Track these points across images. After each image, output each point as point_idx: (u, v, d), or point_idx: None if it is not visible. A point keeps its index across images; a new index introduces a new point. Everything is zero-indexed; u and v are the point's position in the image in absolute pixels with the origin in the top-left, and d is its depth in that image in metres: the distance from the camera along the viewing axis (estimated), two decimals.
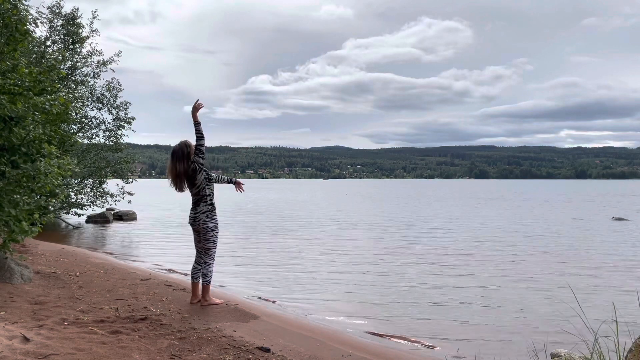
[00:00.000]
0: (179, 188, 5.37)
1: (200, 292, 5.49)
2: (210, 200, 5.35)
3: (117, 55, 16.85)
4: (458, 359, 4.60)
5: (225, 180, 5.56)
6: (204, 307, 5.34)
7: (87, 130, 17.02)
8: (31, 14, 6.59)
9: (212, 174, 5.40)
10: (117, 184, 17.67)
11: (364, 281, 8.09)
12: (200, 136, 5.29)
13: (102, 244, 12.62)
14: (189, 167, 5.25)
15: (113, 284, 6.45)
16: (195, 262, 5.49)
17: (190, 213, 5.41)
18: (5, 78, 5.84)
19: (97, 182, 17.20)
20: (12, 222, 5.60)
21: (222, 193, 6.14)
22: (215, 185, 5.46)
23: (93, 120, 17.01)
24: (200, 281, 5.46)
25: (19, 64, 6.11)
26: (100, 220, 18.59)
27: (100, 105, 16.79)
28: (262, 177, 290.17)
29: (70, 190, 15.63)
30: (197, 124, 5.31)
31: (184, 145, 5.33)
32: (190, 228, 5.48)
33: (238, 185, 5.63)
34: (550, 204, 33.61)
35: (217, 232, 5.41)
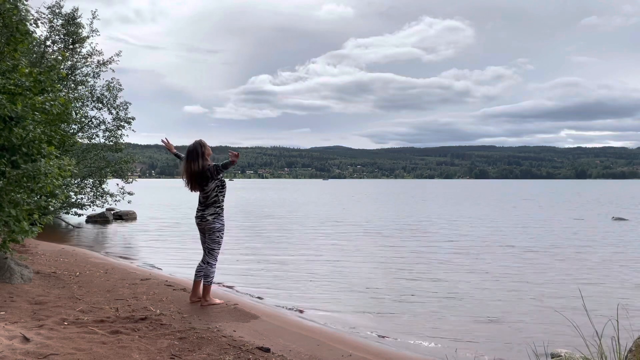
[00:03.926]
0: (194, 188, 5.36)
1: (200, 291, 5.50)
2: (220, 204, 5.39)
3: (117, 55, 16.89)
4: (458, 358, 4.60)
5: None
6: (204, 307, 5.35)
7: (87, 130, 17.02)
8: (32, 14, 6.59)
9: (224, 179, 5.41)
10: (117, 184, 17.67)
11: (365, 281, 8.09)
12: (226, 166, 5.19)
13: (102, 244, 12.62)
14: (203, 169, 5.24)
15: (113, 284, 6.45)
16: (202, 260, 5.50)
17: (198, 213, 5.41)
18: (5, 78, 5.83)
19: (97, 182, 17.20)
20: (12, 222, 5.60)
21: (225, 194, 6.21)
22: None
23: (93, 120, 17.02)
24: (202, 281, 5.47)
25: (19, 64, 6.11)
26: (100, 220, 18.59)
27: (100, 105, 16.79)
28: (262, 177, 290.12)
29: (70, 190, 15.62)
30: (227, 165, 5.17)
31: (199, 144, 5.31)
32: (193, 228, 5.48)
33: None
34: (549, 204, 33.60)
35: (222, 234, 5.44)
